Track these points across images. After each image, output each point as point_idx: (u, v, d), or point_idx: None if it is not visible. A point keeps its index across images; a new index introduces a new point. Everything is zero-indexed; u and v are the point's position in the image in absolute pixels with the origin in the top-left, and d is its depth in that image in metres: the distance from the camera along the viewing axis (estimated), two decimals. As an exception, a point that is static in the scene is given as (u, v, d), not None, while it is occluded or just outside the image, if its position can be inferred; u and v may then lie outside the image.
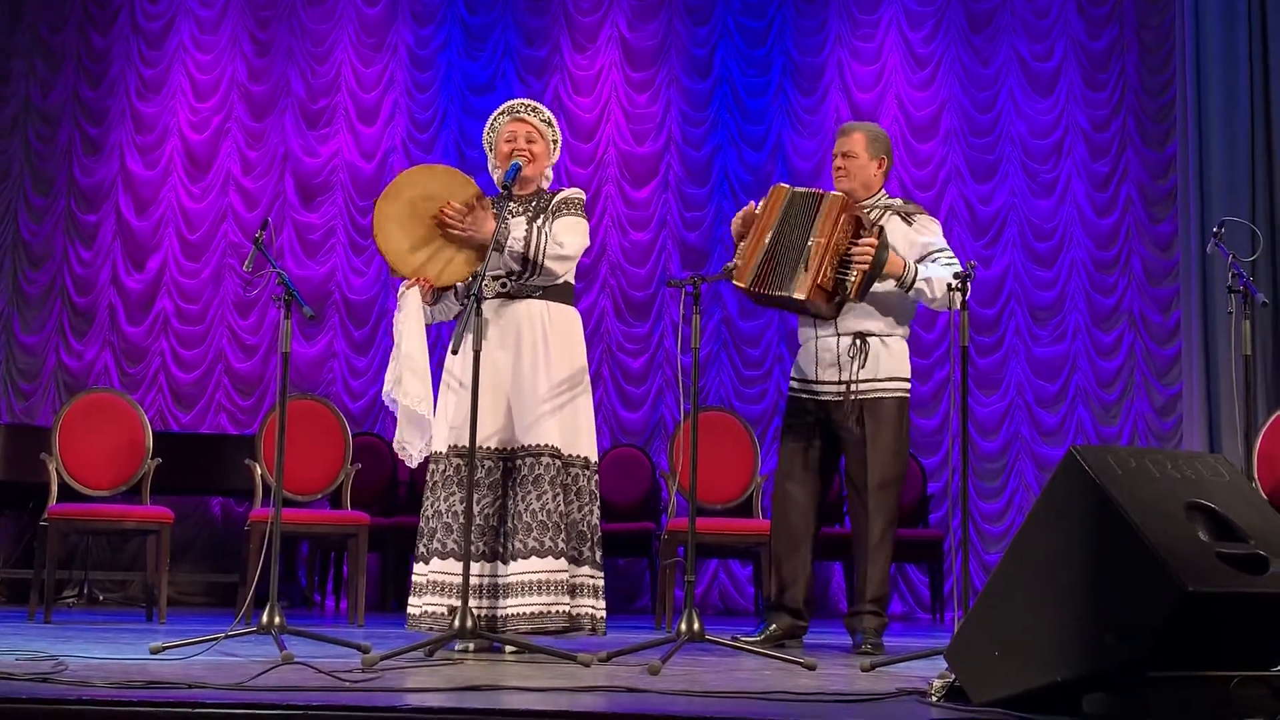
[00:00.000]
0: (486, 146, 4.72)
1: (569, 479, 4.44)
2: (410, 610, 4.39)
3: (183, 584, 8.29)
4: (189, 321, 8.93)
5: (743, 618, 7.78)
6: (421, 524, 4.44)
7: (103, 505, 6.29)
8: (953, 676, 2.98)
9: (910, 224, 4.93)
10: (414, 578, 4.42)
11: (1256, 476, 5.92)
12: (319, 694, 2.88)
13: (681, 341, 4.38)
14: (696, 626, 3.99)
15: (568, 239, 4.47)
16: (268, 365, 8.84)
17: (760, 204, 4.81)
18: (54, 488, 6.26)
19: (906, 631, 6.64)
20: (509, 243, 4.37)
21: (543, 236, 4.42)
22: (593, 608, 4.44)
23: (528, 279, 4.46)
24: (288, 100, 9.15)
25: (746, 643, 4.52)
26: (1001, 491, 8.62)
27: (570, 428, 4.47)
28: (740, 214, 4.88)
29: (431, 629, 4.27)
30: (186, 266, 8.99)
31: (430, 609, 4.33)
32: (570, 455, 4.45)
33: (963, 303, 4.27)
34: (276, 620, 4.10)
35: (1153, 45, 8.90)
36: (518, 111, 4.66)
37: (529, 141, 4.59)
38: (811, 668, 3.85)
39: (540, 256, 4.41)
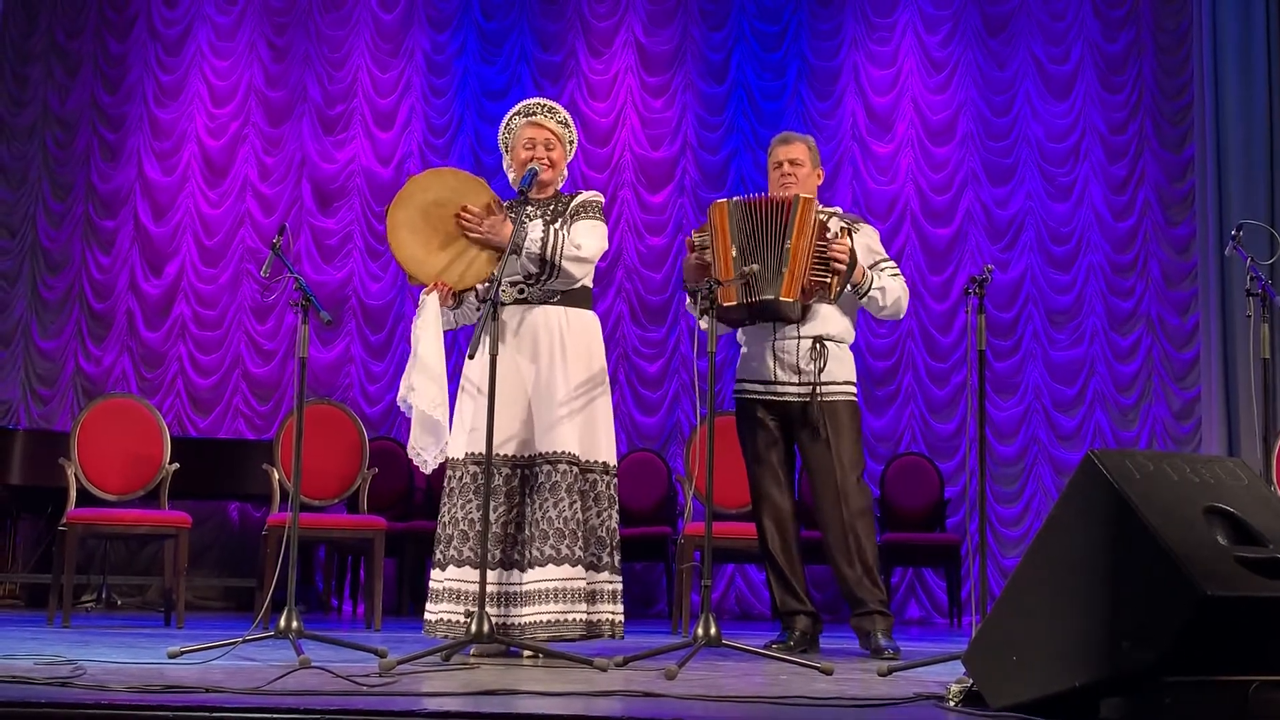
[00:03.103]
0: (503, 147, 4.71)
1: (587, 485, 4.43)
2: (427, 617, 4.40)
3: (200, 588, 8.31)
4: (207, 327, 8.96)
5: (760, 622, 7.77)
6: (438, 530, 4.43)
7: (121, 510, 6.31)
8: (970, 681, 2.98)
9: (856, 232, 4.96)
10: (431, 584, 4.43)
11: (1275, 480, 5.89)
12: (336, 698, 2.89)
13: (698, 346, 4.37)
14: (713, 631, 3.98)
15: (586, 241, 4.45)
16: (285, 370, 8.86)
17: (703, 231, 4.87)
18: (72, 492, 6.28)
19: (924, 636, 6.62)
20: (526, 244, 4.36)
21: (560, 238, 4.40)
22: (611, 612, 4.44)
23: (546, 282, 4.44)
24: (305, 106, 9.18)
25: (763, 648, 4.52)
26: (1019, 496, 8.59)
27: (589, 433, 4.45)
28: (690, 260, 4.90)
29: (447, 636, 4.27)
30: (204, 272, 9.02)
31: (446, 616, 4.33)
32: (589, 461, 4.44)
33: (979, 306, 4.28)
34: (294, 625, 4.11)
35: (1170, 47, 8.87)
36: (534, 114, 4.63)
37: (548, 149, 4.58)
38: (828, 672, 3.84)
39: (558, 258, 4.38)
